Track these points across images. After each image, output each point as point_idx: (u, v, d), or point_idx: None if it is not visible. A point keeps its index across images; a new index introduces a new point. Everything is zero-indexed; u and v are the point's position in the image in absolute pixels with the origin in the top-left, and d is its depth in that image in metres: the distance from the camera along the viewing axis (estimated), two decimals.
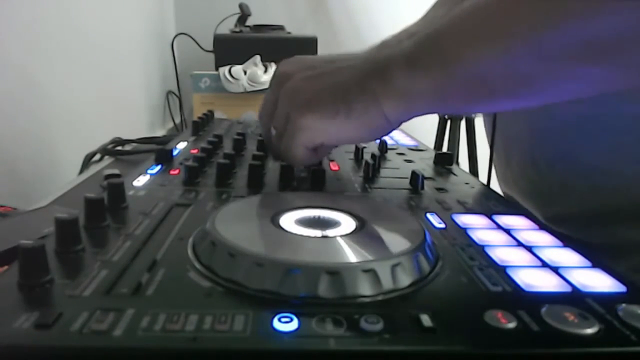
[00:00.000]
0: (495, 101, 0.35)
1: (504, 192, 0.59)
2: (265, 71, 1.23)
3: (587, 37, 0.28)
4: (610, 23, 0.28)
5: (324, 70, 0.40)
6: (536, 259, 0.30)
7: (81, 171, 0.80)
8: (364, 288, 0.24)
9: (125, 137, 0.90)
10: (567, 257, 0.30)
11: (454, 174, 0.51)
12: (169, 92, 1.60)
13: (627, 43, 0.28)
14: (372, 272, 0.25)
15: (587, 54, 0.29)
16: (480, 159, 1.59)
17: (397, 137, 0.71)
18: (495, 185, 0.51)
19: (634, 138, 0.41)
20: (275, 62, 1.24)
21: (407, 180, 0.46)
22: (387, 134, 0.39)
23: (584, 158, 0.44)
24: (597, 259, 0.30)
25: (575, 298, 0.25)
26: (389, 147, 0.61)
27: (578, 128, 0.44)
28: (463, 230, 0.34)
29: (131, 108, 1.28)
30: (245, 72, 1.21)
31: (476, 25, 0.32)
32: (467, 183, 0.48)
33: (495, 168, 0.58)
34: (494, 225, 0.35)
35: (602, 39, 0.28)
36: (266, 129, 0.45)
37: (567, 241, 0.33)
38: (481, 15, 0.32)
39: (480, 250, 0.31)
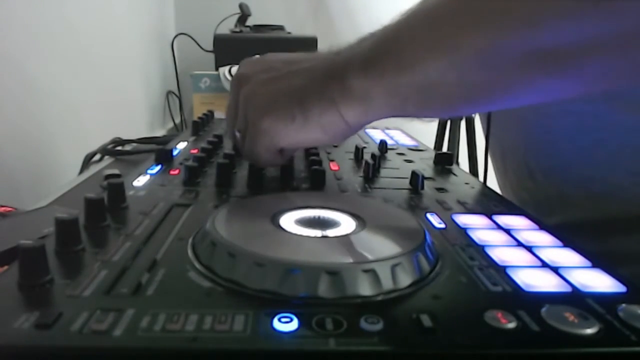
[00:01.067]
0: (452, 107, 0.34)
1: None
2: None
3: (532, 47, 0.28)
4: (552, 34, 0.28)
5: (281, 73, 0.40)
6: (536, 259, 0.30)
7: (81, 171, 0.80)
8: (364, 288, 0.24)
9: (125, 137, 0.90)
10: (567, 257, 0.30)
11: (454, 174, 0.51)
12: (169, 92, 1.60)
13: (571, 53, 0.28)
14: (372, 272, 0.25)
15: (532, 64, 0.29)
16: (481, 159, 1.59)
17: (397, 137, 0.71)
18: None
19: (628, 149, 0.41)
20: None
21: (407, 180, 0.46)
22: (347, 137, 0.39)
23: (580, 169, 0.44)
24: (597, 259, 0.30)
25: (575, 298, 0.25)
26: (389, 147, 0.61)
27: (572, 140, 0.44)
28: (463, 230, 0.34)
29: (131, 108, 1.28)
30: None
31: (428, 31, 0.32)
32: (467, 183, 0.48)
33: (495, 177, 0.58)
34: (494, 225, 0.35)
35: (545, 49, 0.28)
36: (231, 131, 0.45)
37: (567, 241, 0.33)
38: (432, 20, 0.32)
39: (480, 250, 0.31)
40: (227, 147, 0.58)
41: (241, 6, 1.57)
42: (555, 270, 0.28)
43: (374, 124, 0.77)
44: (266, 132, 0.38)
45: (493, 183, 0.53)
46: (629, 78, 0.30)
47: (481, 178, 0.54)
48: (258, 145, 0.39)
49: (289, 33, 1.51)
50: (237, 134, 0.42)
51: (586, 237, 0.45)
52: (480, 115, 0.58)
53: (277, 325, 0.21)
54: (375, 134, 0.73)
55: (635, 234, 0.43)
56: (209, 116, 0.78)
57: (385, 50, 0.34)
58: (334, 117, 0.36)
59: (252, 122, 0.39)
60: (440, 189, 0.45)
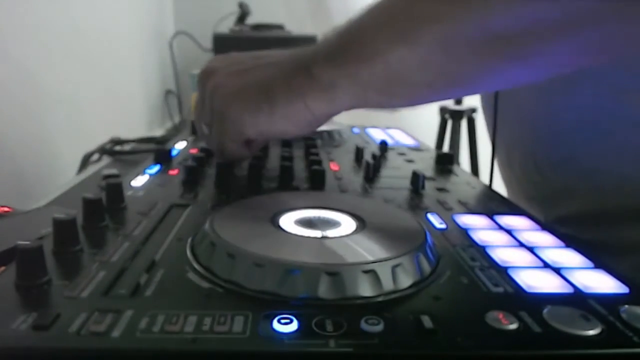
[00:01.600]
0: (415, 95, 0.35)
1: (509, 197, 0.59)
2: None
3: (487, 33, 0.29)
4: (503, 19, 0.29)
5: (248, 66, 0.40)
6: (538, 260, 0.30)
7: (79, 171, 0.80)
8: (364, 289, 0.24)
9: (123, 136, 0.90)
10: (569, 257, 0.30)
11: (455, 174, 0.51)
12: (168, 92, 1.59)
13: (525, 37, 0.29)
14: (372, 273, 0.25)
15: (490, 50, 0.30)
16: (482, 159, 1.59)
17: (397, 137, 0.71)
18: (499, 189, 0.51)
19: (634, 142, 0.41)
20: None
21: (408, 181, 0.46)
22: (315, 128, 0.40)
23: (586, 161, 0.44)
24: (599, 260, 0.30)
25: (577, 299, 0.25)
26: (389, 147, 0.61)
27: (579, 132, 0.44)
28: (464, 231, 0.34)
29: (130, 108, 1.28)
30: None
31: (388, 20, 0.33)
32: (468, 183, 0.48)
33: (499, 172, 0.58)
34: (495, 226, 0.35)
35: (500, 34, 0.29)
36: (199, 126, 0.45)
37: (569, 241, 0.33)
38: (391, 10, 0.33)
39: (481, 250, 0.31)
40: None
41: (241, 5, 1.57)
42: (557, 271, 0.28)
43: (373, 124, 0.76)
44: (233, 121, 0.39)
45: (496, 179, 0.53)
46: (584, 60, 0.31)
47: (486, 175, 0.54)
48: (225, 135, 0.40)
49: (289, 32, 1.51)
50: (205, 129, 0.43)
51: (591, 228, 0.45)
52: (484, 111, 0.58)
53: (277, 326, 0.21)
54: (376, 133, 0.73)
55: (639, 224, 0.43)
56: None
57: (348, 41, 0.35)
58: (300, 107, 0.36)
59: (219, 112, 0.39)
60: (441, 189, 0.45)
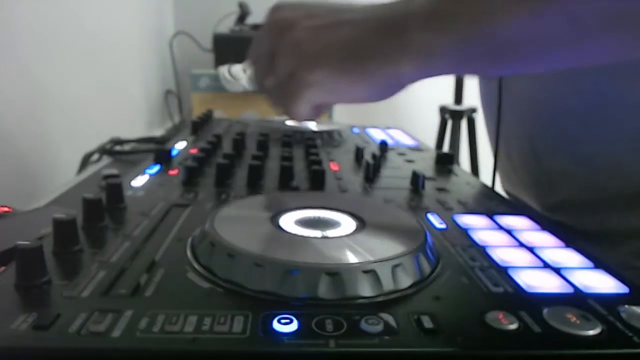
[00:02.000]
0: (523, 63, 0.32)
1: (504, 188, 0.59)
2: None
3: (627, 5, 0.27)
4: None
5: (331, 20, 0.36)
6: (538, 260, 0.30)
7: (79, 171, 0.80)
8: (364, 289, 0.24)
9: (123, 136, 0.90)
10: (569, 257, 0.30)
11: (455, 174, 0.51)
12: (168, 92, 1.59)
13: None
14: (372, 273, 0.25)
15: (621, 24, 0.28)
16: (482, 159, 1.59)
17: (397, 137, 0.71)
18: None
19: (634, 126, 0.41)
20: None
21: (408, 181, 0.46)
22: (395, 94, 0.36)
23: (585, 146, 0.45)
24: (599, 260, 0.30)
25: (577, 299, 0.25)
26: (389, 147, 0.61)
27: (579, 117, 0.44)
28: (464, 231, 0.34)
29: (130, 107, 1.28)
30: (244, 71, 1.21)
31: None
32: (468, 183, 0.48)
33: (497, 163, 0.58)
34: (495, 226, 0.35)
35: (634, 7, 0.27)
36: (260, 79, 0.41)
37: (569, 241, 0.33)
38: None
39: (481, 250, 0.31)
40: (227, 147, 0.58)
41: (240, 5, 1.57)
42: (557, 271, 0.28)
43: (373, 124, 0.76)
44: (313, 84, 0.35)
45: (489, 179, 0.53)
46: None
47: (486, 175, 0.54)
48: (300, 98, 0.36)
49: None
50: (269, 83, 0.38)
51: (588, 215, 0.45)
52: (483, 100, 0.57)
53: (277, 326, 0.21)
54: (376, 133, 0.73)
55: (636, 209, 0.43)
56: (208, 116, 0.78)
57: (455, 3, 0.31)
58: (391, 74, 0.34)
59: (297, 72, 0.35)
60: (441, 189, 0.45)
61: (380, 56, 0.33)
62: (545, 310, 0.23)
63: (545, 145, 0.48)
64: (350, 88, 0.35)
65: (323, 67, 0.34)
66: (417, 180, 0.44)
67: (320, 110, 0.39)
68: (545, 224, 0.36)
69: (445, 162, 0.54)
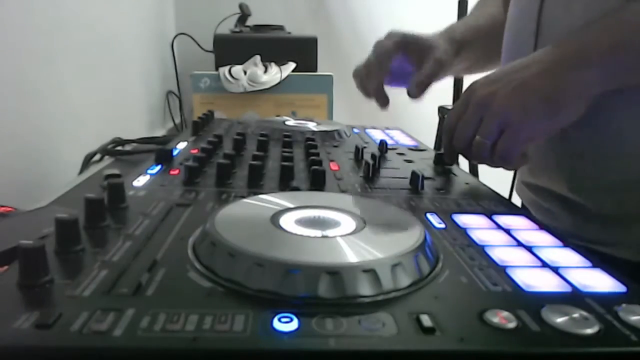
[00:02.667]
0: None
1: (522, 179, 0.59)
2: (265, 71, 1.23)
3: None
4: None
5: (520, 80, 0.43)
6: (536, 259, 0.30)
7: (81, 171, 0.80)
8: (364, 288, 0.24)
9: (125, 137, 0.90)
10: (567, 257, 0.30)
11: (454, 174, 0.51)
12: (169, 92, 1.60)
13: None
14: (372, 272, 0.25)
15: None
16: None
17: (397, 137, 0.71)
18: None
19: None
20: (276, 62, 1.24)
21: (407, 181, 0.46)
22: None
23: (614, 122, 0.46)
24: (597, 260, 0.30)
25: (575, 298, 0.25)
26: (389, 147, 0.61)
27: (610, 93, 0.44)
28: (463, 230, 0.34)
29: (131, 108, 1.28)
30: (245, 72, 1.21)
31: None
32: (467, 183, 0.48)
33: None
34: (494, 225, 0.36)
35: None
36: (461, 144, 0.46)
37: (567, 241, 0.33)
38: None
39: (480, 250, 0.31)
40: (227, 147, 0.58)
41: (241, 6, 1.57)
42: (555, 270, 0.28)
43: (373, 123, 0.77)
44: (525, 135, 0.43)
45: (491, 180, 0.53)
46: None
47: (484, 173, 0.54)
48: (516, 146, 0.43)
49: (289, 33, 1.51)
50: (484, 143, 0.44)
51: (606, 196, 0.47)
52: None
53: (277, 325, 0.21)
54: (376, 134, 0.73)
55: None
56: (209, 116, 0.78)
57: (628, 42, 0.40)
58: (584, 105, 0.42)
59: (508, 130, 0.42)
60: (440, 189, 0.45)
61: (573, 93, 0.41)
62: (543, 309, 0.23)
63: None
64: (553, 125, 0.43)
65: (530, 118, 0.42)
66: (416, 180, 0.44)
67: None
68: (543, 224, 0.36)
69: (444, 162, 0.55)
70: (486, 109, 0.44)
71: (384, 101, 0.59)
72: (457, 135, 0.46)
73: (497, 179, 0.61)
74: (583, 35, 0.43)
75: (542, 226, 0.36)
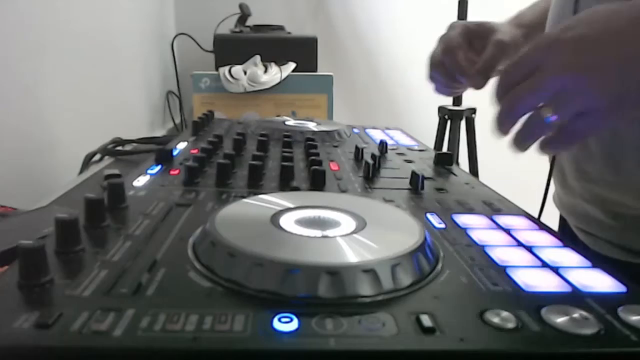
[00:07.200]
0: None
1: (559, 197, 0.58)
2: (265, 71, 1.23)
3: None
4: None
5: (618, 60, 0.35)
6: (536, 259, 0.30)
7: (81, 171, 0.80)
8: (364, 288, 0.24)
9: (125, 137, 0.90)
10: (567, 257, 0.30)
11: (454, 174, 0.51)
12: (169, 92, 1.60)
13: None
14: (372, 272, 0.25)
15: None
16: (481, 159, 1.59)
17: (397, 137, 0.71)
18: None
19: None
20: (276, 62, 1.24)
21: (407, 181, 0.46)
22: None
23: None
24: (597, 260, 0.30)
25: (576, 298, 0.25)
26: (389, 147, 0.61)
27: None
28: (463, 230, 0.34)
29: (131, 108, 1.28)
30: (245, 72, 1.21)
31: None
32: (467, 183, 0.48)
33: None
34: (494, 226, 0.35)
35: None
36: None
37: (567, 241, 0.33)
38: None
39: (480, 250, 0.31)
40: (227, 147, 0.58)
41: (241, 6, 1.57)
42: (555, 270, 0.28)
43: (373, 123, 0.76)
44: (611, 117, 0.36)
45: (489, 180, 0.53)
46: None
47: (483, 173, 0.54)
48: (596, 130, 0.38)
49: (289, 33, 1.51)
50: (552, 120, 0.36)
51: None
52: None
53: (277, 325, 0.21)
54: (375, 134, 0.73)
55: None
56: (209, 116, 0.78)
57: None
58: None
59: (588, 118, 0.36)
60: (440, 189, 0.45)
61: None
62: (543, 309, 0.23)
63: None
64: (634, 113, 0.36)
65: (623, 109, 0.35)
66: (416, 180, 0.44)
67: None
68: (543, 223, 0.36)
69: (444, 162, 0.55)
70: (573, 82, 0.35)
71: (478, 83, 0.51)
72: (515, 99, 0.37)
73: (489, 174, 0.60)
74: None
75: (542, 226, 0.36)
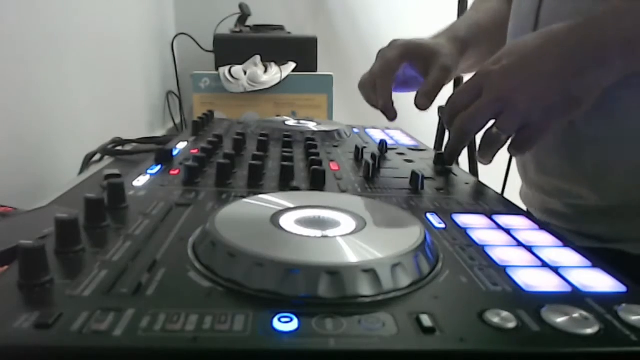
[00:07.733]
0: None
1: (522, 161, 0.59)
2: (265, 71, 1.23)
3: None
4: None
5: (541, 77, 0.42)
6: (536, 259, 0.30)
7: (81, 171, 0.80)
8: (364, 288, 0.24)
9: (125, 137, 0.90)
10: (567, 257, 0.30)
11: (454, 174, 0.51)
12: (169, 92, 1.60)
13: None
14: (372, 272, 0.25)
15: None
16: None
17: (397, 137, 0.71)
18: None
19: None
20: (275, 62, 1.24)
21: (407, 180, 0.46)
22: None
23: (620, 110, 0.45)
24: (597, 259, 0.30)
25: (575, 298, 0.25)
26: (389, 147, 0.61)
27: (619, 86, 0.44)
28: (463, 230, 0.34)
29: (131, 108, 1.28)
30: (245, 72, 1.21)
31: None
32: (467, 183, 0.48)
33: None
34: (494, 225, 0.36)
35: None
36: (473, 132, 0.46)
37: (567, 241, 0.33)
38: None
39: (480, 250, 0.31)
40: (227, 147, 0.58)
41: (241, 6, 1.57)
42: (555, 270, 0.28)
43: (373, 123, 0.76)
44: (543, 129, 0.42)
45: (489, 180, 0.53)
46: None
47: (483, 173, 0.54)
48: (536, 140, 0.43)
49: (289, 33, 1.51)
50: (500, 135, 0.44)
51: (611, 185, 0.47)
52: None
53: (277, 325, 0.21)
54: (375, 134, 0.73)
55: None
56: (209, 116, 0.78)
57: None
58: (596, 94, 0.41)
59: (530, 125, 0.42)
60: (440, 189, 0.45)
61: (587, 85, 0.40)
62: (543, 309, 0.23)
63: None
64: (565, 119, 0.43)
65: (553, 118, 0.42)
66: (416, 180, 0.44)
67: None
68: (543, 223, 0.36)
69: (444, 162, 0.55)
70: (507, 104, 0.42)
71: (392, 114, 0.58)
72: (466, 120, 0.44)
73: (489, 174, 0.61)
74: (600, 25, 0.41)
75: (542, 226, 0.36)
